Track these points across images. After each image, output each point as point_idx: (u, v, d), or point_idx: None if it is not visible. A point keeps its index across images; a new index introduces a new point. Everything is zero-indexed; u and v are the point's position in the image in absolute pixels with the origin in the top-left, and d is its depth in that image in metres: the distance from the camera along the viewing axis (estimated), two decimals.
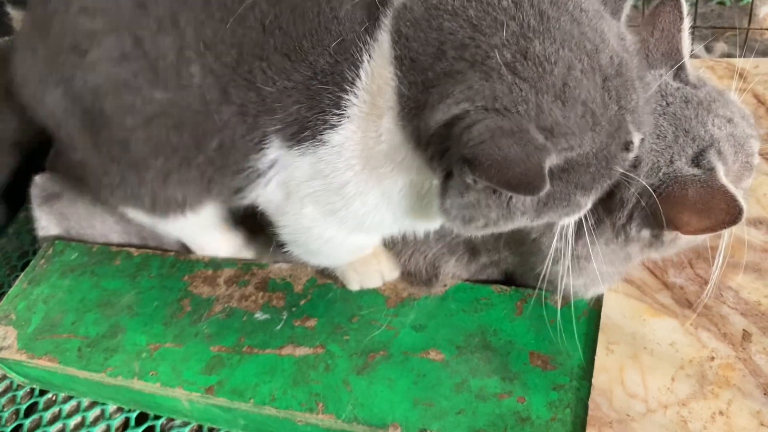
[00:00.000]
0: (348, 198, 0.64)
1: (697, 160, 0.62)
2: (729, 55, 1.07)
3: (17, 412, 0.89)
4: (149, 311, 0.86)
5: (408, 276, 0.82)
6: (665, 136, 0.63)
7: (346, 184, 0.62)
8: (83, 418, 0.87)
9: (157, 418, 0.86)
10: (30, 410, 0.90)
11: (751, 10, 1.05)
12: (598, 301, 0.75)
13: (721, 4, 1.23)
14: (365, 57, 0.58)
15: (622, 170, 0.57)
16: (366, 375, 0.74)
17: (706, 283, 0.74)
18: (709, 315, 0.71)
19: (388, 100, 0.57)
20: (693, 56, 1.03)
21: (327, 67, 0.58)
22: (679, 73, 0.67)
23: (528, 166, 0.50)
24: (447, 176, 0.56)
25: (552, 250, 0.66)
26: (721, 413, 0.64)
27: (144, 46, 0.63)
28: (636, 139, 0.57)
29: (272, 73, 0.60)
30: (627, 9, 0.61)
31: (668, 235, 0.65)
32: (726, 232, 0.69)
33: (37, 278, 0.94)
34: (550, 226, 0.66)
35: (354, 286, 0.82)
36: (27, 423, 0.87)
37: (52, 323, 0.87)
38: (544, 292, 0.75)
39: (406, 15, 0.56)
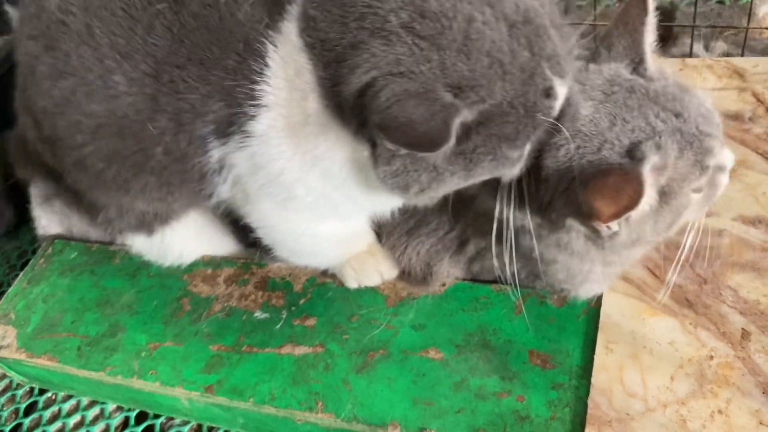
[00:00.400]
0: (288, 185, 0.65)
1: (631, 151, 0.60)
2: (728, 55, 1.07)
3: (17, 411, 0.89)
4: (149, 310, 0.86)
5: (403, 274, 0.82)
6: (599, 123, 0.62)
7: (282, 172, 0.64)
8: (83, 417, 0.87)
9: (156, 417, 0.86)
10: (29, 409, 0.90)
11: (751, 9, 1.05)
12: (597, 301, 0.75)
13: (721, 3, 1.23)
14: (270, 48, 0.59)
15: (546, 118, 0.57)
16: (365, 374, 0.74)
17: (706, 282, 0.74)
18: (708, 314, 0.71)
19: (308, 82, 0.58)
20: (693, 56, 1.04)
21: (236, 65, 0.60)
22: (638, 66, 0.66)
23: (432, 125, 0.51)
24: (373, 146, 0.57)
25: (501, 218, 0.65)
26: (720, 412, 0.64)
27: (71, 61, 0.65)
28: (559, 85, 0.56)
29: (193, 81, 0.62)
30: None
31: (601, 227, 0.64)
32: (695, 226, 0.68)
33: (36, 277, 0.94)
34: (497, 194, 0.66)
35: (352, 283, 0.82)
36: (26, 422, 0.88)
37: (52, 322, 0.87)
38: (543, 291, 0.75)
39: (310, 2, 0.57)
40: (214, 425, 0.82)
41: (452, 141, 0.53)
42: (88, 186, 0.76)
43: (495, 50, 0.53)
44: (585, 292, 0.74)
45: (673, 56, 1.07)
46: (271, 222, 0.73)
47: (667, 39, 1.11)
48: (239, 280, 0.87)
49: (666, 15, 1.18)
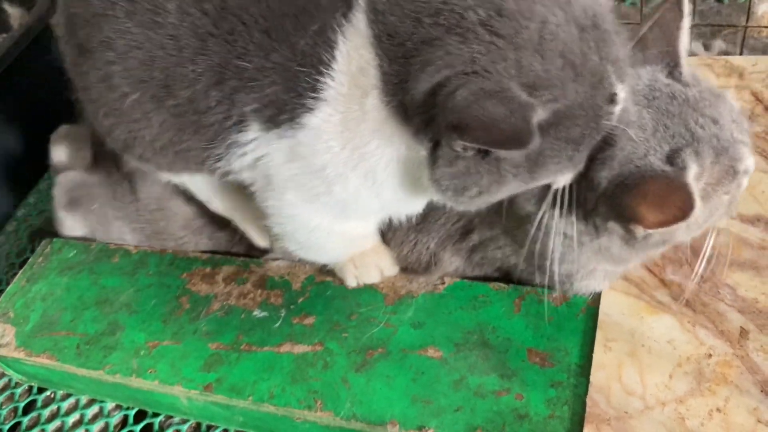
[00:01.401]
0: (329, 180, 0.63)
1: (672, 157, 0.61)
2: (727, 53, 1.07)
3: (15, 409, 0.89)
4: (148, 309, 0.86)
5: (407, 268, 0.82)
6: (645, 129, 0.62)
7: (325, 166, 0.62)
8: (82, 416, 0.87)
9: (155, 415, 0.86)
10: (28, 408, 0.90)
11: (749, 7, 1.05)
12: (596, 299, 0.75)
13: (720, 1, 1.23)
14: (340, 39, 0.58)
15: (609, 123, 0.57)
16: (364, 372, 0.74)
17: (704, 280, 0.74)
18: (707, 312, 0.71)
19: (371, 78, 0.57)
20: (691, 54, 1.04)
21: (307, 49, 0.58)
22: (673, 71, 0.66)
23: (513, 121, 0.50)
24: (435, 146, 0.56)
25: (541, 224, 0.65)
26: (718, 410, 0.64)
27: None
28: (620, 91, 0.56)
29: (254, 47, 0.58)
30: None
31: (639, 230, 0.64)
32: (712, 231, 0.68)
33: (35, 276, 0.94)
34: (539, 199, 0.66)
35: (351, 281, 0.82)
36: (25, 420, 0.88)
37: (51, 321, 0.87)
38: (541, 290, 0.75)
39: None
40: (213, 424, 0.82)
41: (536, 138, 0.52)
42: (106, 107, 0.71)
43: (568, 52, 0.53)
44: (584, 288, 0.75)
45: None
46: (289, 212, 0.70)
47: None
48: (238, 278, 0.87)
49: None
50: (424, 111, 0.54)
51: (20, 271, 0.96)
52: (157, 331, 0.83)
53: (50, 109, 1.24)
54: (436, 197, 0.62)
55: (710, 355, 0.68)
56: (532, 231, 0.66)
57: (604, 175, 0.63)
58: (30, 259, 0.97)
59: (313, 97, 0.59)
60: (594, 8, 0.55)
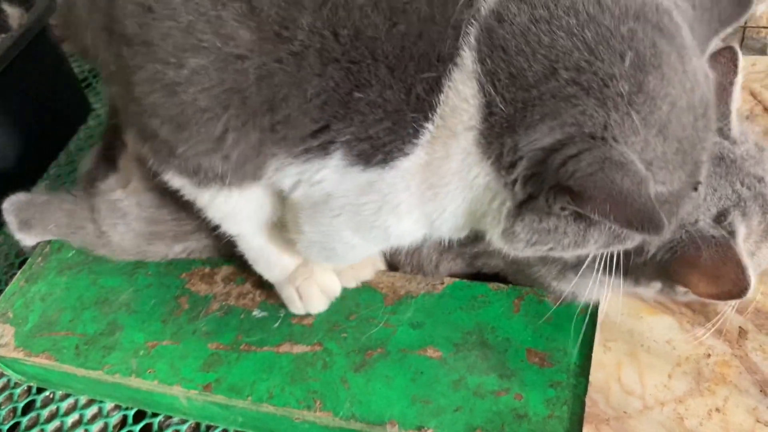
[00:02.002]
0: (399, 216, 0.60)
1: (719, 219, 0.62)
2: None
3: (14, 410, 0.89)
4: (147, 309, 0.86)
5: (407, 270, 0.82)
6: (698, 195, 0.61)
7: (400, 204, 0.59)
8: (81, 416, 0.87)
9: (154, 415, 0.85)
10: (27, 408, 0.90)
11: None
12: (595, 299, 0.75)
13: None
14: (446, 82, 0.54)
15: (685, 207, 0.56)
16: (364, 372, 0.74)
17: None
18: (706, 312, 0.71)
19: (468, 119, 0.54)
20: None
21: (423, 94, 0.55)
22: (723, 127, 0.66)
23: (641, 201, 0.48)
24: (527, 199, 0.54)
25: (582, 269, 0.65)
26: (717, 410, 0.64)
27: None
28: (702, 177, 0.56)
29: (373, 79, 0.55)
30: (714, 45, 0.60)
31: (682, 289, 0.65)
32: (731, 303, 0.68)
33: (34, 276, 0.94)
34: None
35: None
36: (24, 421, 0.87)
37: (50, 321, 0.87)
38: (541, 290, 0.76)
39: (501, 27, 0.52)
40: (212, 424, 0.82)
41: (671, 226, 0.51)
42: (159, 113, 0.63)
43: (684, 138, 0.52)
44: (589, 300, 0.74)
45: None
46: (335, 230, 0.66)
47: None
48: (237, 278, 0.87)
49: None
50: (530, 165, 0.52)
51: (19, 271, 0.95)
52: (156, 331, 0.83)
53: (49, 109, 1.24)
54: (493, 240, 0.59)
55: (709, 355, 0.68)
56: (575, 280, 0.66)
57: (655, 244, 0.62)
58: (29, 259, 0.97)
59: (414, 143, 0.56)
60: (708, 97, 0.54)
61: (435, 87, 0.54)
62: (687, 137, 0.52)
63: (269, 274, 0.82)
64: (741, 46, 1.05)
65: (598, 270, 0.62)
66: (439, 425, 0.68)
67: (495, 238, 0.59)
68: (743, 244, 0.61)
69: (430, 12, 0.54)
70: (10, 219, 0.94)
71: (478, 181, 0.56)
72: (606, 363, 0.69)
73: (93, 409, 0.88)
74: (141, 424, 0.85)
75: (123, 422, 0.86)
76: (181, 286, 0.88)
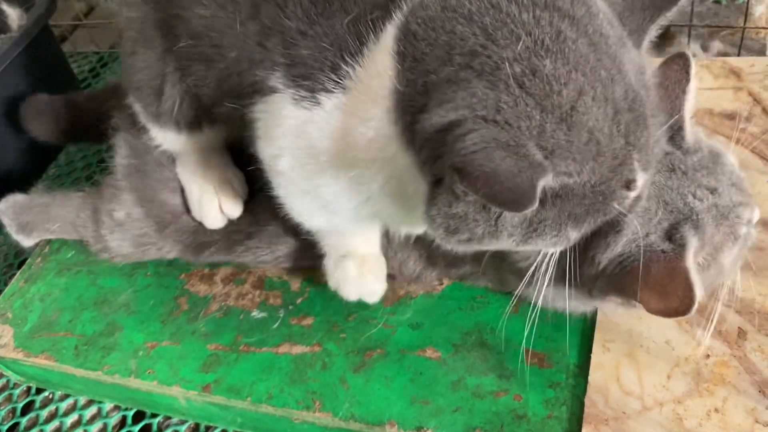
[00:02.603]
0: (322, 167, 0.62)
1: (670, 233, 0.60)
2: (725, 54, 1.07)
3: (14, 410, 0.89)
4: (146, 309, 0.86)
5: (395, 275, 0.82)
6: (649, 209, 0.61)
7: (324, 152, 0.61)
8: (80, 417, 0.87)
9: (154, 416, 0.86)
10: (26, 408, 0.90)
11: (747, 8, 1.05)
12: None
13: (717, 2, 1.24)
14: (371, 38, 0.57)
15: (618, 208, 0.55)
16: (363, 373, 0.74)
17: None
18: (705, 313, 0.71)
19: (383, 88, 0.56)
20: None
21: (339, 31, 0.57)
22: (675, 135, 0.65)
23: (518, 181, 0.48)
24: (437, 183, 0.55)
25: (528, 274, 0.64)
26: (716, 410, 0.64)
27: None
28: (640, 178, 0.55)
29: (300, 13, 0.59)
30: (651, 37, 0.59)
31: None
32: (721, 297, 0.67)
33: (33, 276, 0.94)
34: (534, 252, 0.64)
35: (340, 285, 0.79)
36: (23, 421, 0.87)
37: (49, 321, 0.87)
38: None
39: (419, 12, 0.55)
40: (211, 424, 0.82)
41: (536, 205, 0.50)
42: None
43: (596, 129, 0.51)
44: (580, 315, 0.74)
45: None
46: (280, 170, 0.68)
47: (663, 38, 1.11)
48: (236, 279, 0.87)
49: None
50: (433, 147, 0.53)
51: (18, 272, 0.96)
52: (155, 332, 0.83)
53: None
54: (427, 230, 0.59)
55: (708, 356, 0.68)
56: (521, 285, 0.65)
57: (606, 257, 0.62)
58: (28, 260, 0.97)
59: (334, 80, 0.58)
60: (637, 90, 0.53)
61: (356, 30, 0.57)
62: (603, 130, 0.51)
63: (192, 187, 0.86)
64: (740, 47, 1.05)
65: (550, 279, 0.62)
66: (438, 426, 0.68)
67: (425, 226, 0.59)
68: (693, 258, 0.59)
69: None
70: (8, 222, 0.94)
71: (396, 160, 0.57)
72: (605, 363, 0.69)
73: (92, 410, 0.88)
74: (140, 425, 0.85)
75: (122, 423, 0.86)
76: (180, 286, 0.88)
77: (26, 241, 0.96)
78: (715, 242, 0.62)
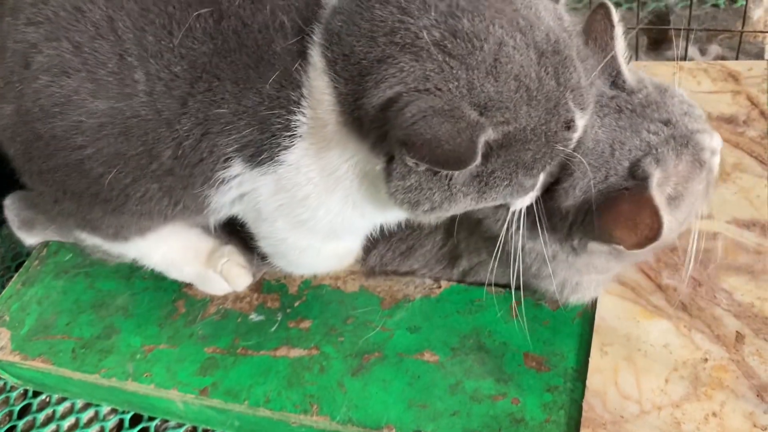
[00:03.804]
0: (312, 208, 0.65)
1: (633, 171, 0.61)
2: (723, 58, 1.07)
3: (11, 413, 0.89)
4: (143, 312, 0.86)
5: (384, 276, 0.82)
6: (603, 152, 0.62)
7: (308, 196, 0.64)
8: (77, 420, 0.87)
9: (151, 419, 0.85)
10: (23, 412, 0.89)
11: (745, 12, 1.05)
12: (592, 303, 0.75)
13: (716, 6, 1.24)
14: (304, 77, 0.59)
15: (564, 149, 0.57)
16: (360, 376, 0.74)
17: (700, 285, 0.74)
18: (703, 317, 0.72)
19: (327, 105, 0.58)
20: (688, 59, 1.04)
21: (273, 93, 0.60)
22: (616, 80, 0.66)
23: (458, 141, 0.51)
24: (390, 160, 0.57)
25: (517, 248, 0.66)
26: (714, 415, 0.64)
27: (83, 53, 0.61)
28: (579, 118, 0.57)
29: (228, 96, 0.60)
30: None
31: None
32: (695, 231, 0.68)
33: (30, 279, 0.94)
34: (504, 221, 0.66)
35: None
36: (20, 424, 0.87)
37: (46, 324, 0.87)
38: (537, 294, 0.75)
39: (336, 17, 0.57)
40: (208, 428, 0.82)
41: (478, 160, 0.53)
42: (79, 193, 0.72)
43: (523, 75, 0.53)
44: (579, 300, 0.74)
45: (668, 59, 1.07)
46: (280, 237, 0.72)
47: (662, 42, 1.11)
48: None
49: (661, 18, 1.18)
50: (378, 126, 0.55)
51: (16, 275, 0.95)
52: (152, 335, 0.83)
53: None
54: (395, 207, 0.62)
55: (706, 360, 0.68)
56: (497, 250, 0.67)
57: (571, 204, 0.63)
58: (26, 263, 0.97)
59: (288, 136, 0.61)
60: (558, 34, 0.56)
61: (285, 84, 0.59)
62: (530, 74, 0.53)
63: (182, 273, 0.85)
64: (738, 50, 1.05)
65: (523, 235, 0.65)
66: (435, 429, 0.68)
67: (392, 205, 0.61)
68: (658, 189, 0.60)
69: (245, 23, 0.59)
70: (11, 217, 0.94)
71: (357, 157, 0.60)
72: (603, 367, 0.69)
73: (89, 413, 0.88)
74: (137, 428, 0.85)
75: (119, 426, 0.86)
76: (177, 289, 0.88)
77: (28, 239, 0.96)
78: (680, 172, 0.63)
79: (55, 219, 0.80)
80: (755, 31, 1.11)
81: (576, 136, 0.58)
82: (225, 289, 0.85)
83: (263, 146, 0.62)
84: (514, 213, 0.64)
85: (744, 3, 1.07)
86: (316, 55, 0.58)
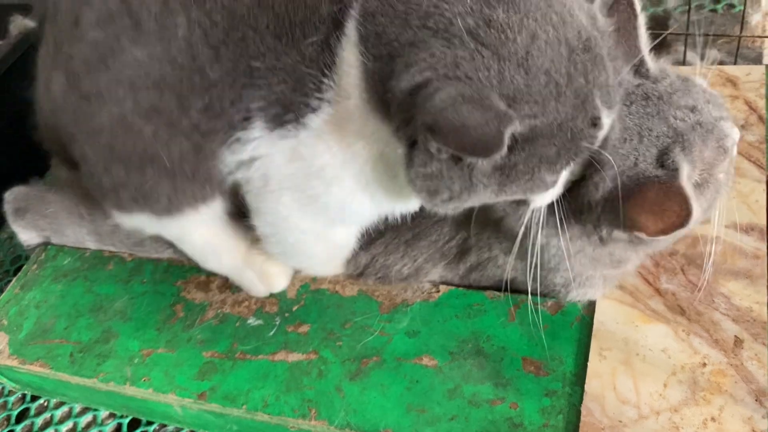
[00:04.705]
0: (327, 181, 0.65)
1: (661, 159, 0.62)
2: (721, 63, 1.07)
3: (8, 418, 0.89)
4: (142, 316, 0.86)
5: (384, 279, 0.82)
6: (631, 139, 0.63)
7: (324, 167, 0.64)
8: (75, 424, 0.87)
9: (149, 423, 0.85)
10: (21, 416, 0.89)
11: (743, 17, 1.05)
12: (590, 307, 0.75)
13: (714, 11, 1.24)
14: (338, 44, 0.59)
15: (589, 147, 0.57)
16: (359, 381, 0.74)
17: (700, 289, 0.74)
18: (701, 321, 0.71)
19: (354, 79, 0.58)
20: (686, 64, 1.04)
21: (312, 54, 0.60)
22: (639, 68, 0.67)
23: (486, 130, 0.51)
24: (412, 145, 0.57)
25: (535, 245, 0.66)
26: (713, 419, 0.64)
27: (127, 1, 0.63)
28: (605, 116, 0.57)
29: (263, 49, 0.61)
30: None
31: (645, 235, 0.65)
32: (714, 235, 0.68)
33: (29, 283, 0.94)
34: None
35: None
36: (18, 429, 0.87)
37: (44, 328, 0.87)
38: (537, 298, 0.75)
39: None
40: None
41: (505, 150, 0.53)
42: (128, 155, 0.70)
43: (553, 70, 0.53)
44: (581, 295, 0.75)
45: None
46: (283, 214, 0.71)
47: (660, 47, 1.12)
48: (233, 286, 0.87)
49: (659, 23, 1.18)
50: (405, 110, 0.55)
51: (14, 279, 0.95)
52: (151, 339, 0.83)
53: None
54: (414, 197, 0.62)
55: (705, 364, 0.68)
56: (515, 247, 0.68)
57: (600, 195, 0.63)
58: (24, 267, 0.97)
59: (318, 98, 0.61)
60: (589, 32, 0.56)
61: (324, 48, 0.60)
62: (560, 70, 0.53)
63: (221, 262, 0.83)
64: (736, 55, 1.05)
65: (545, 233, 0.66)
66: None
67: (411, 192, 0.61)
68: (687, 180, 0.61)
69: None
70: (9, 209, 0.95)
71: (376, 135, 0.60)
72: (601, 372, 0.69)
73: (87, 417, 0.88)
74: None
75: (117, 430, 0.86)
76: (176, 293, 0.87)
77: (22, 231, 0.96)
78: (705, 158, 0.63)
79: (107, 196, 0.76)
80: (753, 36, 1.12)
81: (602, 133, 0.58)
82: (260, 290, 0.83)
83: (291, 105, 0.62)
84: (534, 211, 0.64)
85: (742, 8, 1.07)
86: (351, 28, 0.58)
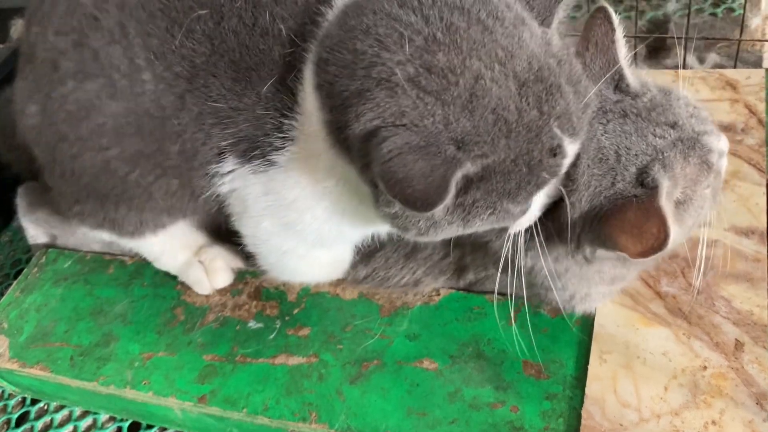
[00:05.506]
0: (299, 212, 0.67)
1: (641, 177, 0.61)
2: (721, 66, 1.07)
3: (8, 421, 0.89)
4: (142, 320, 0.86)
5: (385, 286, 0.82)
6: (607, 159, 0.62)
7: (295, 200, 0.65)
8: (75, 428, 0.87)
9: (149, 427, 0.85)
10: (21, 420, 0.89)
11: (743, 21, 1.06)
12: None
13: (714, 15, 1.24)
14: (299, 86, 0.60)
15: (550, 176, 0.56)
16: (359, 384, 0.74)
17: (699, 292, 0.74)
18: (702, 324, 0.71)
19: (316, 123, 0.59)
20: (686, 67, 1.04)
21: (270, 95, 0.61)
22: (619, 83, 0.65)
23: (430, 181, 0.50)
24: (375, 187, 0.57)
25: (520, 267, 0.67)
26: (713, 423, 0.64)
27: (100, 59, 0.66)
28: (568, 144, 0.56)
29: (224, 91, 0.63)
30: (559, 15, 0.60)
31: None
32: (703, 239, 0.68)
33: (29, 286, 0.94)
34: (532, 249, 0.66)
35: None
36: None
37: (45, 332, 0.87)
38: (545, 303, 0.75)
39: (326, 42, 0.58)
40: None
41: (450, 198, 0.53)
42: (105, 193, 0.75)
43: (501, 108, 0.52)
44: (585, 311, 0.74)
45: (666, 67, 1.07)
46: (264, 238, 0.73)
47: (660, 50, 1.12)
48: (233, 289, 0.87)
49: (659, 26, 1.19)
50: (362, 156, 0.55)
51: (15, 282, 0.95)
52: (151, 343, 0.83)
53: None
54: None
55: (705, 368, 0.68)
56: (501, 268, 0.68)
57: (578, 216, 0.63)
58: (25, 270, 0.97)
59: (281, 137, 0.62)
60: (543, 61, 0.55)
61: (281, 89, 0.61)
62: (509, 107, 0.53)
63: (176, 260, 0.87)
64: (736, 59, 1.05)
65: (531, 255, 0.66)
66: None
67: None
68: (667, 198, 0.60)
69: (245, 24, 0.62)
70: (21, 203, 0.98)
71: (346, 176, 0.61)
72: (602, 375, 0.69)
73: (87, 421, 0.87)
74: None
75: None
76: (176, 297, 0.88)
77: (31, 227, 0.98)
78: (688, 175, 0.62)
79: (71, 219, 0.82)
80: (753, 40, 1.12)
81: (566, 161, 0.57)
82: (204, 285, 0.86)
83: (257, 143, 0.63)
84: (514, 235, 0.64)
85: (742, 12, 1.07)
86: (308, 72, 0.59)
